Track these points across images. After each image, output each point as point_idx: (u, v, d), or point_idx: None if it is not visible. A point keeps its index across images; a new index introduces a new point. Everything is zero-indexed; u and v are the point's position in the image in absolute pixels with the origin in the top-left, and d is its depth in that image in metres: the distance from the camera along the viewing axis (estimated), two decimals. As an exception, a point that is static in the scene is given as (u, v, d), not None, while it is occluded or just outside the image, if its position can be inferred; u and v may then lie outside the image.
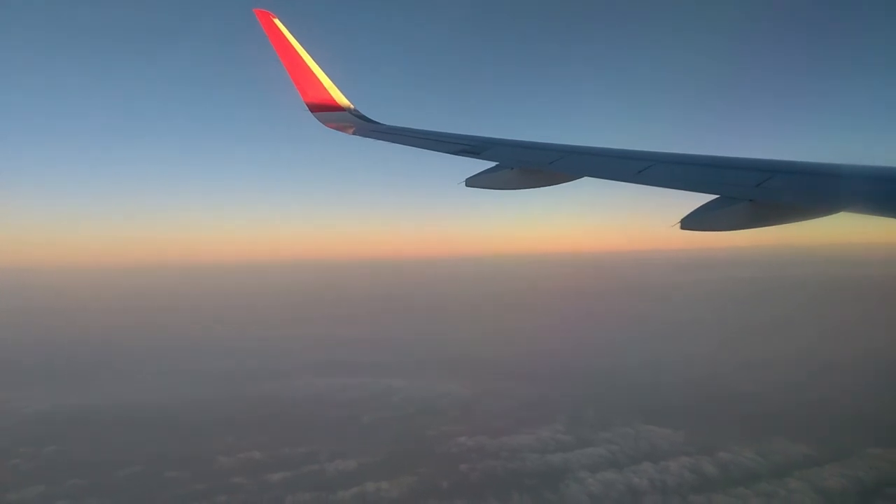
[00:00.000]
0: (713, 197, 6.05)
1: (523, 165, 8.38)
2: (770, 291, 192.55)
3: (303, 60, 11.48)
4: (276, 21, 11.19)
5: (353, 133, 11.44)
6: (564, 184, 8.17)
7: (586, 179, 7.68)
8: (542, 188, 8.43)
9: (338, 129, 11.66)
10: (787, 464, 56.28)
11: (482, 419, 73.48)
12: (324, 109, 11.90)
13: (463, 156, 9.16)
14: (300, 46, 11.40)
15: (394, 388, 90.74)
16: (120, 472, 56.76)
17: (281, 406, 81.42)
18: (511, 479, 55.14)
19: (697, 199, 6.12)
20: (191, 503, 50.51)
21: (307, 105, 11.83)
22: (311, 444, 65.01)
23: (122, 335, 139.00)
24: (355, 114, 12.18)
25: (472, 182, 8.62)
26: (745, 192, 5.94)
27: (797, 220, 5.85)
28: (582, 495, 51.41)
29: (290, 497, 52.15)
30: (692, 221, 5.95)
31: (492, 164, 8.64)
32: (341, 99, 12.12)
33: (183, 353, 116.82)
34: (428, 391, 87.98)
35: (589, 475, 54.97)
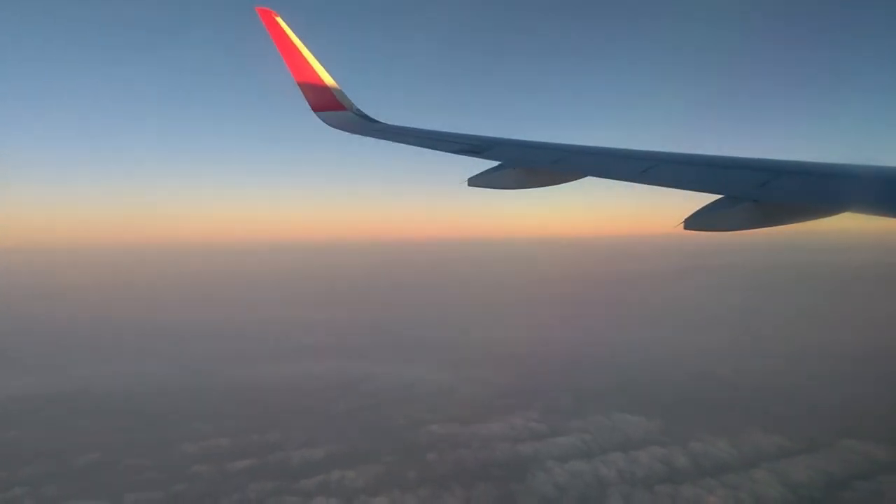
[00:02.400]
0: (717, 197, 5.97)
1: (526, 165, 8.34)
2: (761, 279, 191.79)
3: (305, 59, 11.36)
4: (279, 19, 11.01)
5: (356, 132, 11.35)
6: (568, 183, 8.16)
7: (589, 179, 7.65)
8: (545, 188, 8.40)
9: (340, 128, 11.57)
10: (759, 455, 55.52)
11: (457, 406, 72.60)
12: (326, 108, 11.82)
13: (465, 155, 9.11)
14: (302, 45, 11.26)
15: (372, 374, 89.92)
16: (80, 459, 55.74)
17: (256, 392, 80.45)
18: (479, 469, 54.27)
19: (702, 199, 6.08)
20: (146, 492, 49.40)
21: (310, 104, 11.75)
22: (280, 431, 64.11)
23: (100, 318, 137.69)
24: (358, 113, 12.07)
25: (475, 181, 8.56)
26: (750, 192, 5.86)
27: (802, 221, 5.81)
28: (548, 486, 50.53)
29: (252, 485, 51.17)
30: (696, 222, 5.87)
31: (494, 163, 8.58)
32: (344, 98, 12.02)
33: (161, 337, 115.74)
34: (406, 378, 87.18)
35: (557, 465, 54.10)
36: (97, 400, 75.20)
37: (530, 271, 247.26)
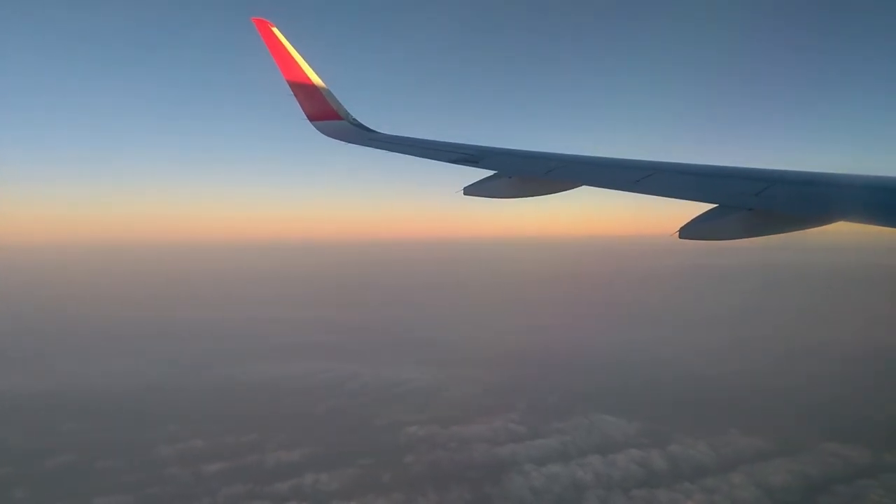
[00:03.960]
0: (712, 206, 6.02)
1: (521, 174, 8.42)
2: (753, 280, 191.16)
3: (301, 69, 11.38)
4: (275, 30, 11.05)
5: (352, 142, 11.34)
6: (563, 192, 8.27)
7: (585, 187, 7.71)
8: (540, 197, 8.48)
9: (336, 137, 11.57)
10: (739, 457, 55.03)
11: (441, 407, 72.15)
12: (322, 118, 11.83)
13: (461, 164, 9.14)
14: (298, 55, 11.30)
15: (358, 374, 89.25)
16: (51, 461, 55.15)
17: (239, 392, 79.92)
18: (455, 472, 53.75)
19: (697, 207, 6.14)
20: (116, 495, 48.80)
21: (306, 114, 11.76)
22: (260, 432, 63.47)
23: (90, 316, 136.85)
24: (354, 122, 12.11)
25: (470, 190, 8.67)
26: (744, 201, 5.91)
27: (796, 230, 5.86)
28: (523, 490, 49.97)
29: (224, 489, 50.57)
30: (691, 231, 5.93)
31: (490, 172, 8.67)
32: (340, 108, 12.06)
33: (150, 336, 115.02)
34: (393, 377, 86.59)
35: (534, 468, 53.55)
36: (80, 399, 74.45)
37: (524, 272, 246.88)
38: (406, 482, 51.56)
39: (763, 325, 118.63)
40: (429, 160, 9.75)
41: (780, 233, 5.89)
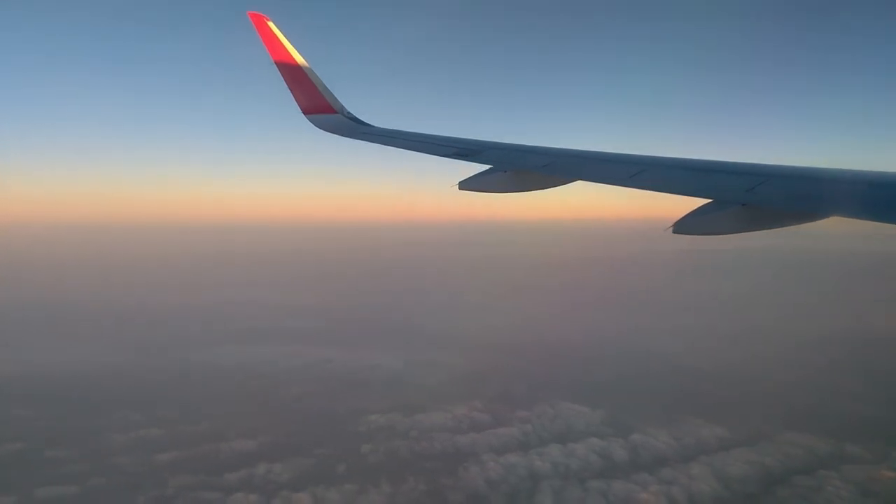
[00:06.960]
0: (705, 201, 6.07)
1: (516, 168, 8.46)
2: (742, 267, 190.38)
3: (296, 63, 11.46)
4: (270, 24, 11.11)
5: (347, 135, 11.41)
6: (558, 187, 8.31)
7: (580, 181, 7.77)
8: (535, 191, 8.51)
9: (331, 131, 11.67)
10: (699, 447, 54.47)
11: (406, 395, 71.22)
12: (317, 112, 11.92)
13: (456, 159, 9.17)
14: (294, 49, 11.36)
15: (327, 359, 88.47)
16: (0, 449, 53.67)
17: (204, 377, 78.63)
18: (412, 462, 52.90)
19: (691, 202, 6.16)
20: (61, 486, 47.49)
21: (301, 107, 11.87)
22: (219, 420, 62.33)
23: (51, 297, 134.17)
24: (349, 116, 12.16)
25: (466, 185, 8.64)
26: (738, 196, 5.96)
27: (789, 225, 5.89)
28: (479, 480, 49.14)
29: (174, 479, 49.40)
30: (685, 226, 5.97)
31: (485, 167, 8.69)
32: (335, 102, 12.12)
33: (115, 319, 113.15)
34: (361, 363, 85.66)
35: (493, 458, 52.73)
36: (36, 384, 72.83)
37: (510, 256, 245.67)
38: (361, 473, 50.60)
39: (739, 313, 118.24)
40: (424, 154, 9.73)
41: (773, 227, 5.92)
